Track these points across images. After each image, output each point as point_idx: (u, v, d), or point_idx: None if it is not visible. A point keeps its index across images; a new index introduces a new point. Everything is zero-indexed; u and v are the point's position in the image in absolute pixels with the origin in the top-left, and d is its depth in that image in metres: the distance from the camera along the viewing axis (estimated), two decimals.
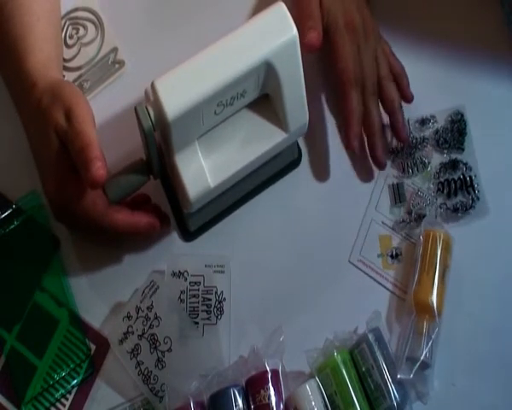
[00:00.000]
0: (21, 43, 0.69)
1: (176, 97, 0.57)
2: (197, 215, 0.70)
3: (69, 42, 0.79)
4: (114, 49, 0.79)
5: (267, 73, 0.61)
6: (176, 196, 0.71)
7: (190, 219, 0.72)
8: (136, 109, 0.59)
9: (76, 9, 0.80)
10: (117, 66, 0.78)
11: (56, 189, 0.66)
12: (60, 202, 0.66)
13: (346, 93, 0.71)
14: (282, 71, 0.61)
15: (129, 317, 0.69)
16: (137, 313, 0.69)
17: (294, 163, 0.75)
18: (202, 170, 0.63)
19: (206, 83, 0.58)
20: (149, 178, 0.67)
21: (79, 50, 0.79)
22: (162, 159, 0.65)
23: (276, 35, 0.59)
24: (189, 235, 0.74)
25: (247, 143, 0.65)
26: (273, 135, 0.66)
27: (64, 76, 0.76)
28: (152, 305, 0.69)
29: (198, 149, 0.63)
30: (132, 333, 0.68)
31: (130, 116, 0.73)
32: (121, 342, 0.69)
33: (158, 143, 0.63)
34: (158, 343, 0.68)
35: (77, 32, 0.79)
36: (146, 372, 0.68)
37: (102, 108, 0.74)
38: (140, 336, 0.68)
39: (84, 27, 0.79)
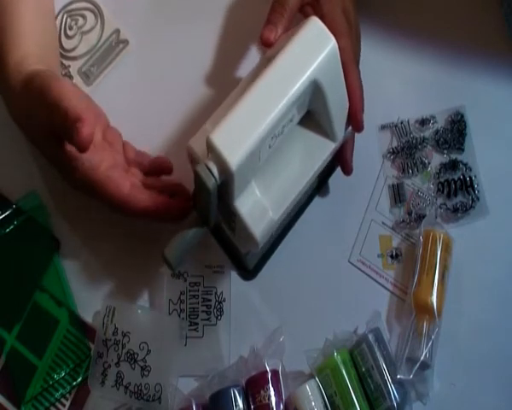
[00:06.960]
0: (2, 41, 0.68)
1: (235, 146, 0.54)
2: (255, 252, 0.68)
3: (69, 33, 0.79)
4: (116, 31, 0.79)
5: (313, 90, 0.59)
6: (228, 239, 0.68)
7: (248, 258, 0.70)
8: (196, 171, 0.55)
9: (72, 2, 0.81)
10: (121, 46, 0.79)
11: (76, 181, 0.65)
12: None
13: (349, 71, 0.66)
14: (327, 84, 0.59)
15: (100, 355, 0.68)
16: (107, 346, 0.68)
17: (333, 167, 0.74)
18: (263, 206, 0.61)
19: (261, 121, 0.55)
20: (206, 230, 0.64)
21: (81, 39, 0.79)
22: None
23: (317, 52, 0.57)
24: (248, 274, 0.72)
25: (300, 165, 0.63)
26: (322, 148, 0.64)
27: (69, 66, 0.78)
28: (116, 328, 0.68)
29: (255, 186, 0.61)
30: (109, 367, 0.68)
31: (142, 91, 0.76)
32: (103, 382, 0.68)
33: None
34: (136, 355, 0.68)
35: (76, 23, 0.80)
36: (136, 389, 0.67)
37: (113, 88, 0.74)
38: (117, 363, 0.68)
39: (83, 17, 0.80)
